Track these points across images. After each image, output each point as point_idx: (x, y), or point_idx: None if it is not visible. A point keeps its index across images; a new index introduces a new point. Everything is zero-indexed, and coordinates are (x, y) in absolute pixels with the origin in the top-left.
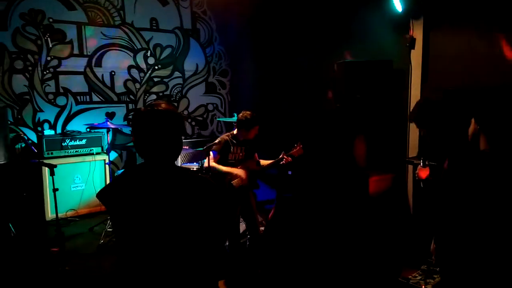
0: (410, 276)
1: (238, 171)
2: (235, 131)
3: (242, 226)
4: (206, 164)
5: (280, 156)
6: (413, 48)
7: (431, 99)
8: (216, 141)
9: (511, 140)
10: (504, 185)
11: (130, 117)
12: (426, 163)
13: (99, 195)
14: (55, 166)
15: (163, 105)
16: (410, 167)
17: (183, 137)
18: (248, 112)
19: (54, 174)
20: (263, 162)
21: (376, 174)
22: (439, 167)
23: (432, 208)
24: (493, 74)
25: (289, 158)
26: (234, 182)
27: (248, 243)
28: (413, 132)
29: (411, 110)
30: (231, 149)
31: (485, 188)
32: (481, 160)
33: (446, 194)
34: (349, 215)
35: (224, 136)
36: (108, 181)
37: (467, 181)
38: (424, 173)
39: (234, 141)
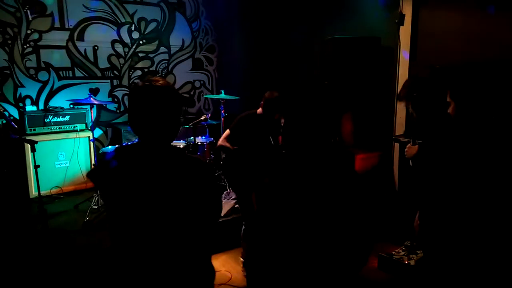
0: (393, 252)
1: None
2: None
3: (230, 204)
4: None
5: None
6: (402, 25)
7: (419, 77)
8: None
9: (480, 114)
10: (478, 158)
11: (115, 93)
12: (416, 141)
13: (90, 174)
14: (36, 142)
15: (161, 81)
16: (397, 145)
17: (182, 118)
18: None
19: (35, 151)
20: None
21: (362, 152)
22: (427, 145)
23: (419, 185)
24: (483, 51)
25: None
26: None
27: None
28: (400, 110)
29: (399, 89)
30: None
31: (462, 163)
32: (453, 135)
33: (429, 170)
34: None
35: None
36: (93, 159)
37: (445, 157)
38: (413, 151)
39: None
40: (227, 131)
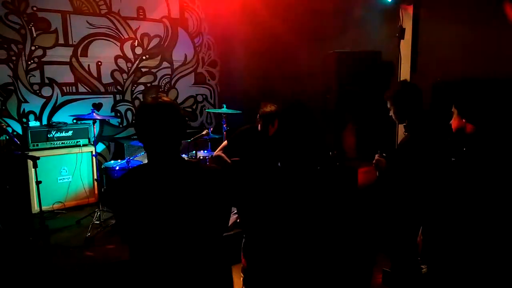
0: None
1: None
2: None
3: (232, 218)
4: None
5: None
6: (403, 39)
7: (409, 83)
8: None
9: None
10: (484, 170)
11: (118, 108)
12: (383, 154)
13: (106, 200)
14: (38, 158)
15: (166, 98)
16: None
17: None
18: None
19: (37, 167)
20: None
21: (365, 165)
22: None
23: (422, 201)
24: (484, 65)
25: None
26: None
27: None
28: None
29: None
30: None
31: (470, 178)
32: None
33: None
34: (337, 206)
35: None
36: (95, 173)
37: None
38: (381, 163)
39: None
40: (225, 142)
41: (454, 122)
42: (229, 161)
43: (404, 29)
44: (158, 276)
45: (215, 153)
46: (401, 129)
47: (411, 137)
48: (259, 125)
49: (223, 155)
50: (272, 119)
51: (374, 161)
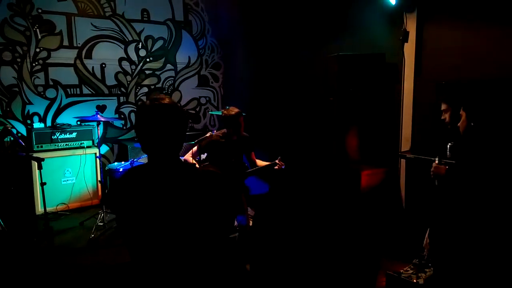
0: (401, 270)
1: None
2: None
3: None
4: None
5: (276, 161)
6: (407, 41)
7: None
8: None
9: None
10: (502, 183)
11: (122, 110)
12: (442, 161)
13: (107, 201)
14: (43, 159)
15: (167, 99)
16: (403, 161)
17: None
18: (230, 108)
19: (41, 168)
20: (260, 162)
21: (368, 168)
22: (460, 167)
23: (436, 204)
24: (488, 68)
25: (283, 163)
26: None
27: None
28: (406, 126)
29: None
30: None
31: (486, 185)
32: (479, 155)
33: (448, 190)
34: (340, 209)
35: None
36: (99, 175)
37: (467, 178)
38: (441, 170)
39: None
40: (195, 147)
41: (462, 125)
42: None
43: (408, 32)
44: (155, 278)
45: (185, 157)
46: (405, 131)
47: (482, 141)
48: (228, 128)
49: (190, 159)
50: (235, 122)
51: (432, 169)
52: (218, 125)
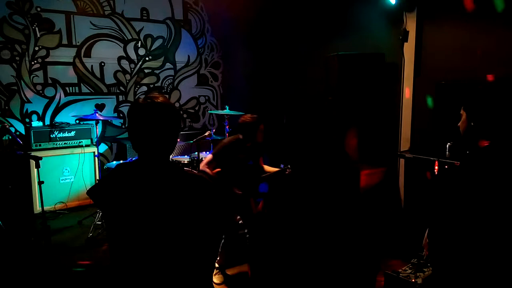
0: (400, 270)
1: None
2: (240, 136)
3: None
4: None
5: (286, 167)
6: (406, 41)
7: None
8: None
9: (508, 135)
10: (505, 183)
11: (120, 109)
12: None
13: (90, 192)
14: (40, 158)
15: (161, 98)
16: (402, 160)
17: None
18: (248, 116)
19: (39, 167)
20: (268, 168)
21: (367, 167)
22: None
23: (434, 203)
24: (488, 67)
25: (291, 169)
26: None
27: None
28: (405, 125)
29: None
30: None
31: (487, 185)
32: (483, 156)
33: (449, 190)
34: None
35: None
36: (97, 174)
37: (469, 178)
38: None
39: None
40: (210, 156)
41: (462, 125)
42: (211, 173)
43: (408, 31)
44: (133, 280)
45: (201, 167)
46: (404, 131)
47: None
48: (242, 136)
49: (207, 170)
50: (255, 129)
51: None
52: (217, 124)
